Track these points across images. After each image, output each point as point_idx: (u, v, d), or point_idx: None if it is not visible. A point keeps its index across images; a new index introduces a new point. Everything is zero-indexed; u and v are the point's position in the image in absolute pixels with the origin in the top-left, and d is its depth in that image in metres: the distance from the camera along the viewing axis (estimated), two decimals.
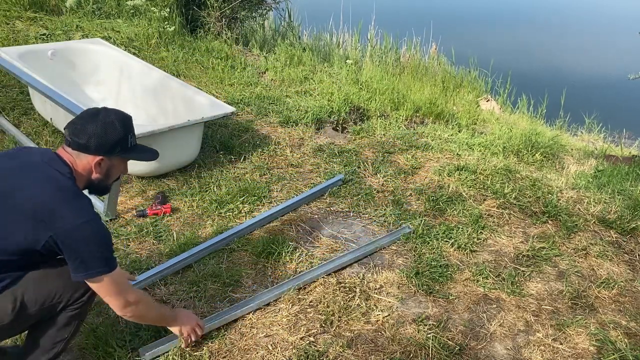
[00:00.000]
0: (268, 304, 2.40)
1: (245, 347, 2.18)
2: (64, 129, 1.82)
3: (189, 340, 2.09)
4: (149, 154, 1.99)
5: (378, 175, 3.63)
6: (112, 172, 1.88)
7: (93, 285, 1.73)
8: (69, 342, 1.86)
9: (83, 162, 1.79)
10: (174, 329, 2.08)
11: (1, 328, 1.69)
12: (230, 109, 3.37)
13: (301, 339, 2.23)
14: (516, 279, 2.74)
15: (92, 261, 1.68)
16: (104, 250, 1.71)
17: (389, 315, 2.41)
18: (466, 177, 3.65)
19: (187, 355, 2.09)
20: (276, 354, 2.15)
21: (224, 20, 6.29)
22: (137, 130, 2.82)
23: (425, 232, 3.01)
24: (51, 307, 1.75)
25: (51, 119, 3.53)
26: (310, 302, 2.44)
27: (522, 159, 4.32)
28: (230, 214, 3.03)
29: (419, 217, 3.15)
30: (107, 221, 2.84)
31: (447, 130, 4.75)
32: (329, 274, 2.62)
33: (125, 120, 1.86)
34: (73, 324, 1.82)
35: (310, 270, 2.60)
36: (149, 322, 2.06)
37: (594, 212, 3.40)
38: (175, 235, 2.79)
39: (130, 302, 1.81)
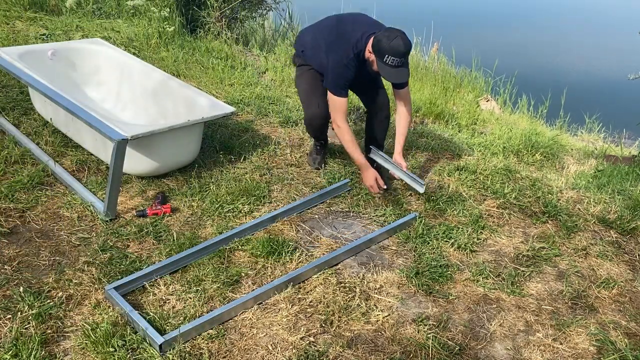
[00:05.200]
0: (267, 304, 2.40)
1: (245, 347, 2.18)
2: None
3: (372, 190, 3.15)
4: (394, 75, 2.92)
5: None
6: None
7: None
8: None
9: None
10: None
11: None
12: (230, 109, 3.37)
13: (301, 339, 2.23)
14: (516, 279, 2.74)
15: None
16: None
17: (389, 315, 2.42)
18: (466, 177, 3.65)
19: (187, 355, 2.09)
20: (276, 354, 2.15)
21: (224, 20, 6.29)
22: (137, 130, 2.86)
23: (425, 232, 3.02)
24: None
25: (51, 119, 3.53)
26: (310, 302, 2.44)
27: (522, 159, 4.33)
28: (230, 214, 3.03)
29: (419, 217, 3.15)
30: (106, 221, 2.84)
31: (447, 130, 4.75)
32: (331, 272, 2.62)
33: (399, 47, 2.81)
34: None
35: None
36: (345, 148, 3.18)
37: (594, 212, 3.40)
38: (175, 235, 2.79)
39: (338, 125, 3.08)
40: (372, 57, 2.93)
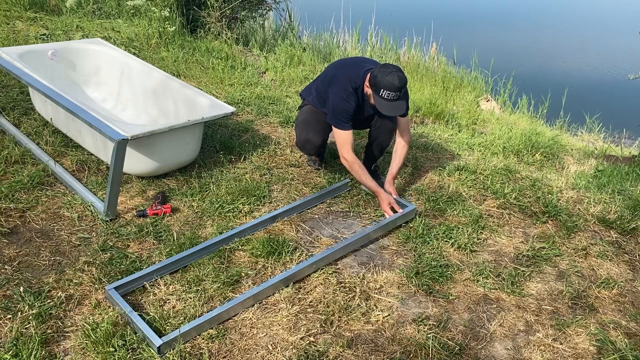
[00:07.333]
0: (267, 304, 2.40)
1: (245, 347, 2.18)
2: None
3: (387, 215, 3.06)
4: (387, 109, 2.96)
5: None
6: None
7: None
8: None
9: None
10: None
11: None
12: (230, 109, 3.37)
13: (301, 339, 2.23)
14: (516, 279, 2.74)
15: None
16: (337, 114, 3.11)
17: (389, 315, 2.42)
18: (466, 177, 3.65)
19: (187, 355, 2.09)
20: (276, 354, 2.15)
21: (224, 20, 6.29)
22: (137, 130, 2.86)
23: (425, 232, 3.02)
24: None
25: (51, 119, 3.53)
26: (310, 302, 2.44)
27: (522, 159, 4.33)
28: (231, 214, 3.03)
29: (419, 217, 3.15)
30: (107, 221, 2.84)
31: (447, 130, 4.76)
32: (331, 271, 2.62)
33: (394, 82, 2.87)
34: None
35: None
36: (356, 178, 3.22)
37: (594, 212, 3.40)
38: (175, 235, 2.79)
39: (345, 158, 3.13)
40: (370, 91, 3.00)
